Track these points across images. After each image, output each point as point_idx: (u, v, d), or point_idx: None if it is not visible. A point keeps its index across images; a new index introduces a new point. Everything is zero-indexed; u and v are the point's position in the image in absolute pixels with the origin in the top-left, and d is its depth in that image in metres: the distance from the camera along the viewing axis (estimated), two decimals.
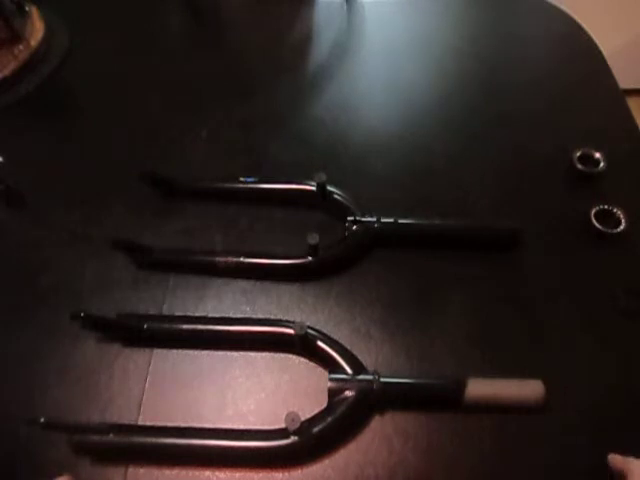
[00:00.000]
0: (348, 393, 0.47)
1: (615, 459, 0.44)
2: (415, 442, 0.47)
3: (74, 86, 0.76)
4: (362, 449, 0.47)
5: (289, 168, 0.64)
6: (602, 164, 0.61)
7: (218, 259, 0.56)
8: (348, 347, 0.51)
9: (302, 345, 0.50)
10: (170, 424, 0.48)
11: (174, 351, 0.52)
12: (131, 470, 0.46)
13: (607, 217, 0.58)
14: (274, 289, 0.56)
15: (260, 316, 0.54)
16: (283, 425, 0.43)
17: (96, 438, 0.45)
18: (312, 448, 0.46)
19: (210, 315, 0.54)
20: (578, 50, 0.77)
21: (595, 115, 0.69)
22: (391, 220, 0.57)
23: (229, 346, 0.52)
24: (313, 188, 0.59)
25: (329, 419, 0.46)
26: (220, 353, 0.52)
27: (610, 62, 0.74)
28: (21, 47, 0.74)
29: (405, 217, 0.57)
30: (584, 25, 0.79)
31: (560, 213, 0.60)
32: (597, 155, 0.62)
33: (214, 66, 0.78)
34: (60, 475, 0.43)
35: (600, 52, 0.76)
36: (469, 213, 0.61)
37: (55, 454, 0.46)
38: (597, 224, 0.57)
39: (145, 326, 0.52)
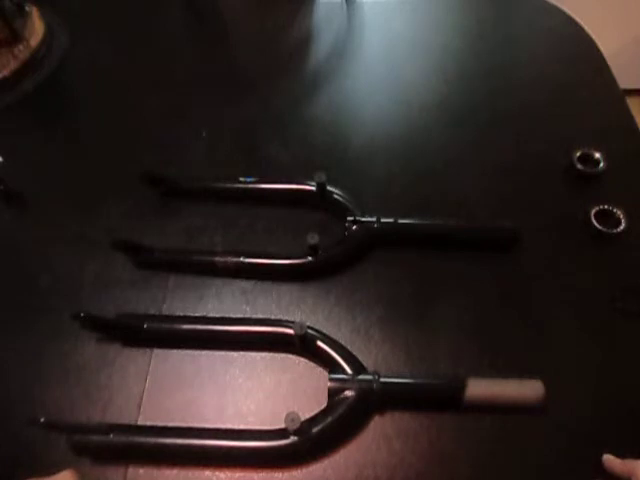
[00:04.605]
0: (348, 393, 0.47)
1: (613, 461, 0.44)
2: (415, 442, 0.47)
3: (74, 86, 0.76)
4: (362, 449, 0.47)
5: (289, 168, 0.64)
6: (602, 164, 0.61)
7: (218, 259, 0.56)
8: (348, 347, 0.51)
9: (302, 345, 0.50)
10: (170, 424, 0.48)
11: (174, 351, 0.52)
12: (131, 470, 0.46)
13: (607, 217, 0.58)
14: (274, 289, 0.56)
15: (260, 316, 0.54)
16: (283, 425, 0.43)
17: (96, 438, 0.45)
18: (312, 448, 0.46)
19: (210, 315, 0.54)
20: (578, 50, 0.77)
21: (595, 115, 0.69)
22: (391, 220, 0.57)
23: (229, 346, 0.52)
24: (313, 188, 0.59)
25: (329, 419, 0.46)
26: (220, 353, 0.52)
27: (610, 62, 0.74)
28: (21, 47, 0.74)
29: (405, 217, 0.57)
30: (584, 25, 0.79)
31: (560, 213, 0.60)
32: (597, 155, 0.62)
33: (214, 66, 0.78)
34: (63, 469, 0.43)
35: (600, 52, 0.76)
36: (469, 213, 0.61)
37: (55, 454, 0.46)
38: (597, 224, 0.57)
39: (145, 326, 0.52)
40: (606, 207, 0.58)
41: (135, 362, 0.52)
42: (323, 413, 0.47)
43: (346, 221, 0.57)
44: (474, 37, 0.80)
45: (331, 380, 0.47)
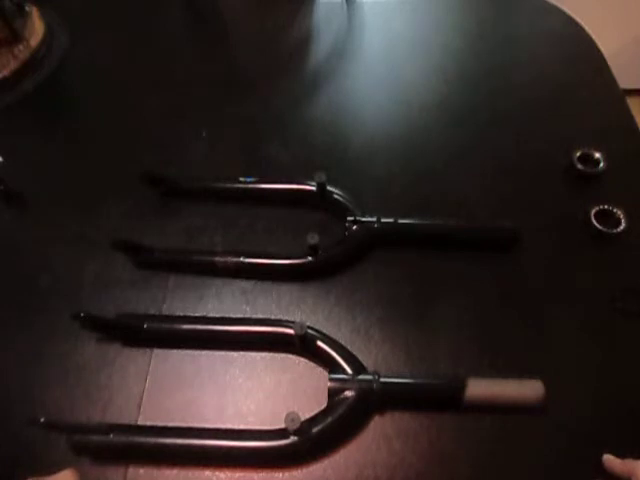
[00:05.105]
0: (348, 393, 0.47)
1: (613, 461, 0.44)
2: (415, 442, 0.47)
3: (74, 86, 0.76)
4: (362, 449, 0.47)
5: (289, 168, 0.64)
6: (602, 164, 0.61)
7: (218, 259, 0.56)
8: (348, 347, 0.51)
9: (302, 345, 0.50)
10: (170, 424, 0.48)
11: (174, 351, 0.52)
12: (131, 470, 0.46)
13: (607, 217, 0.58)
14: (274, 289, 0.56)
15: (260, 316, 0.54)
16: (283, 425, 0.43)
17: (96, 438, 0.45)
18: (312, 448, 0.46)
19: (210, 315, 0.54)
20: (578, 50, 0.77)
21: (595, 115, 0.69)
22: (391, 220, 0.57)
23: (229, 346, 0.52)
24: (313, 188, 0.59)
25: (329, 419, 0.46)
26: (220, 353, 0.52)
27: (610, 62, 0.74)
28: (21, 47, 0.74)
29: (405, 217, 0.57)
30: (584, 25, 0.79)
31: (560, 213, 0.60)
32: (597, 155, 0.62)
33: (214, 66, 0.78)
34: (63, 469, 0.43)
35: (600, 52, 0.76)
36: (469, 213, 0.61)
37: (55, 454, 0.46)
38: (597, 224, 0.57)
39: (145, 326, 0.52)
40: (606, 207, 0.58)
41: (135, 362, 0.52)
42: (323, 413, 0.47)
43: (346, 221, 0.57)
44: (474, 37, 0.80)
45: (331, 380, 0.47)
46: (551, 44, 0.79)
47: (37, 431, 0.45)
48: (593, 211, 0.58)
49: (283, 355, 0.52)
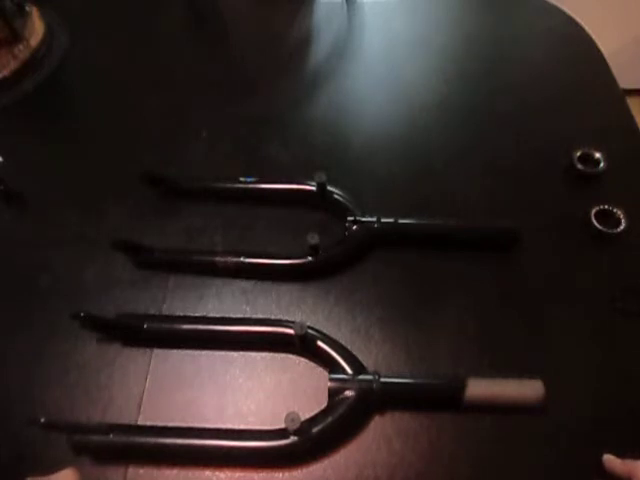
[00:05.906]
0: (348, 393, 0.47)
1: (613, 461, 0.44)
2: (415, 442, 0.47)
3: (74, 86, 0.76)
4: (362, 449, 0.47)
5: (289, 168, 0.64)
6: (602, 164, 0.62)
7: (218, 259, 0.56)
8: (348, 347, 0.51)
9: (302, 345, 0.50)
10: (170, 424, 0.48)
11: (174, 351, 0.52)
12: (131, 470, 0.46)
13: (607, 217, 0.58)
14: (274, 289, 0.56)
15: (260, 316, 0.54)
16: (283, 425, 0.43)
17: (96, 438, 0.45)
18: (312, 448, 0.46)
19: (210, 315, 0.54)
20: (578, 50, 0.77)
21: (595, 115, 0.69)
22: (391, 220, 0.57)
23: (229, 346, 0.52)
24: (313, 188, 0.59)
25: (329, 419, 0.46)
26: (220, 353, 0.52)
27: (610, 62, 0.74)
28: (21, 47, 0.74)
29: (405, 217, 0.57)
30: (584, 25, 0.79)
31: (560, 213, 0.60)
32: (597, 155, 0.62)
33: (214, 66, 0.78)
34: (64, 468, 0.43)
35: (600, 52, 0.76)
36: (469, 213, 0.61)
37: (55, 454, 0.46)
38: (597, 224, 0.57)
39: (145, 326, 0.52)
40: (606, 207, 0.58)
41: (135, 362, 0.52)
42: (323, 413, 0.47)
43: (346, 221, 0.57)
44: (474, 37, 0.80)
45: (331, 380, 0.47)
46: (551, 44, 0.79)
47: (37, 431, 0.45)
48: (593, 211, 0.58)
49: (283, 355, 0.52)
